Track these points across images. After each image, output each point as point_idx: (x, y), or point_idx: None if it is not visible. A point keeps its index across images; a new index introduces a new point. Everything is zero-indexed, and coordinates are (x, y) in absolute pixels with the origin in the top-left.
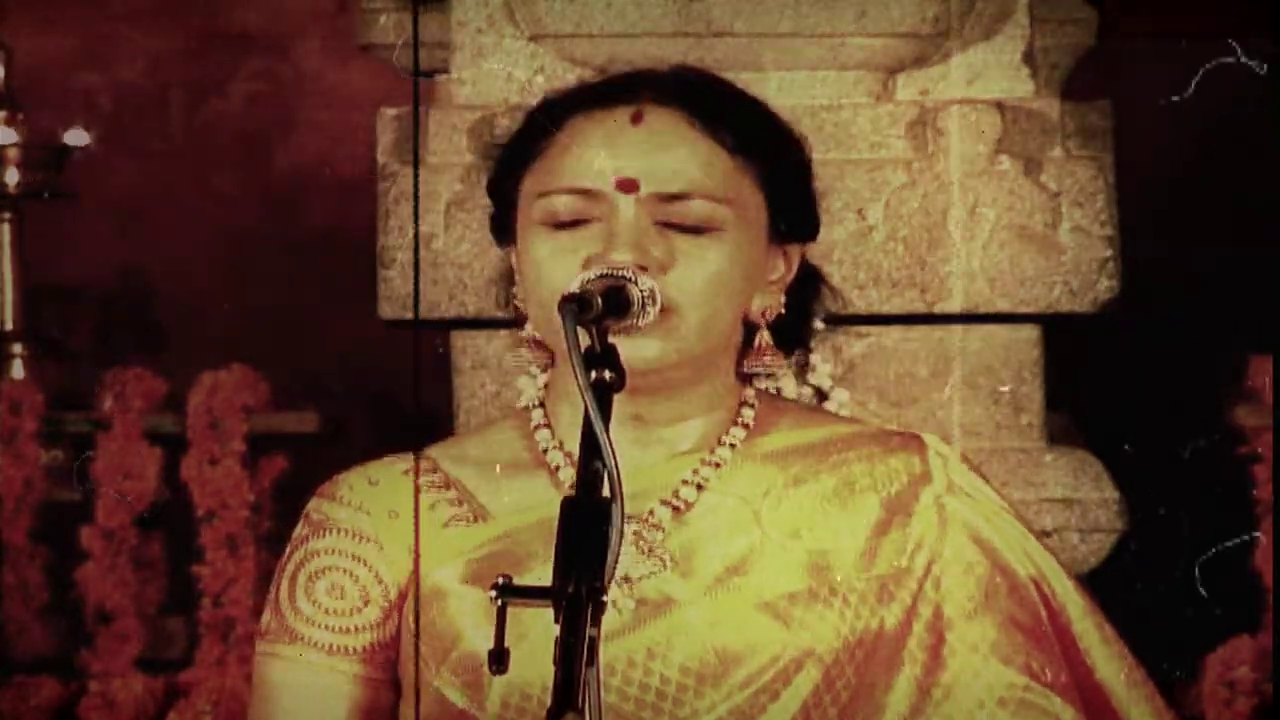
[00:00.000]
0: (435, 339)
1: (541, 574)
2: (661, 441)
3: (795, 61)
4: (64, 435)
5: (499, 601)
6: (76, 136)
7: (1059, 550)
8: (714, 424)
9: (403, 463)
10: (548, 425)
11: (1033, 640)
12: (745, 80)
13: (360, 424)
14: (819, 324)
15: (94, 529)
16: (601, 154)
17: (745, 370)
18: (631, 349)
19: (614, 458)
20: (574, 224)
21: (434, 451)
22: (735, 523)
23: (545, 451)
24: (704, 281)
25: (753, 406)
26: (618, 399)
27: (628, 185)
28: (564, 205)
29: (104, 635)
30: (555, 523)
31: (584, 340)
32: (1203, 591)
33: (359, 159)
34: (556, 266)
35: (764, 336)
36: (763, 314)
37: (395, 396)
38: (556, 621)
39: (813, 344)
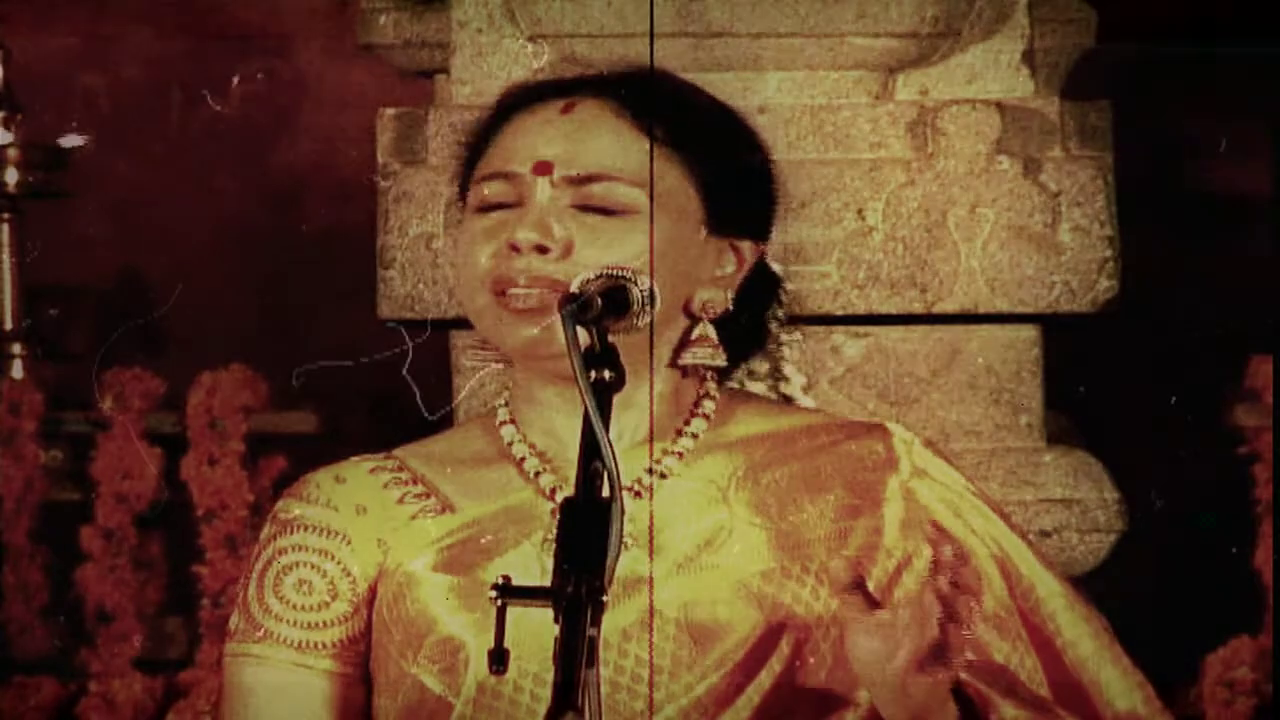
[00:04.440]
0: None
1: (511, 559)
2: (617, 429)
3: (795, 61)
4: (64, 435)
5: (499, 601)
6: (73, 140)
7: (1059, 550)
8: (666, 416)
9: (369, 462)
10: (512, 421)
11: (993, 626)
12: (745, 80)
13: (360, 424)
14: (778, 324)
15: (94, 529)
16: (527, 140)
17: (679, 361)
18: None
19: (614, 458)
20: (498, 207)
21: (400, 451)
22: (703, 504)
23: (510, 445)
24: (619, 262)
25: (714, 399)
26: (568, 385)
27: (541, 168)
28: (491, 190)
29: (104, 635)
30: (521, 510)
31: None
32: (1203, 591)
33: (359, 159)
34: (476, 248)
35: (703, 329)
36: (703, 307)
37: (395, 396)
38: (556, 621)
39: (781, 350)
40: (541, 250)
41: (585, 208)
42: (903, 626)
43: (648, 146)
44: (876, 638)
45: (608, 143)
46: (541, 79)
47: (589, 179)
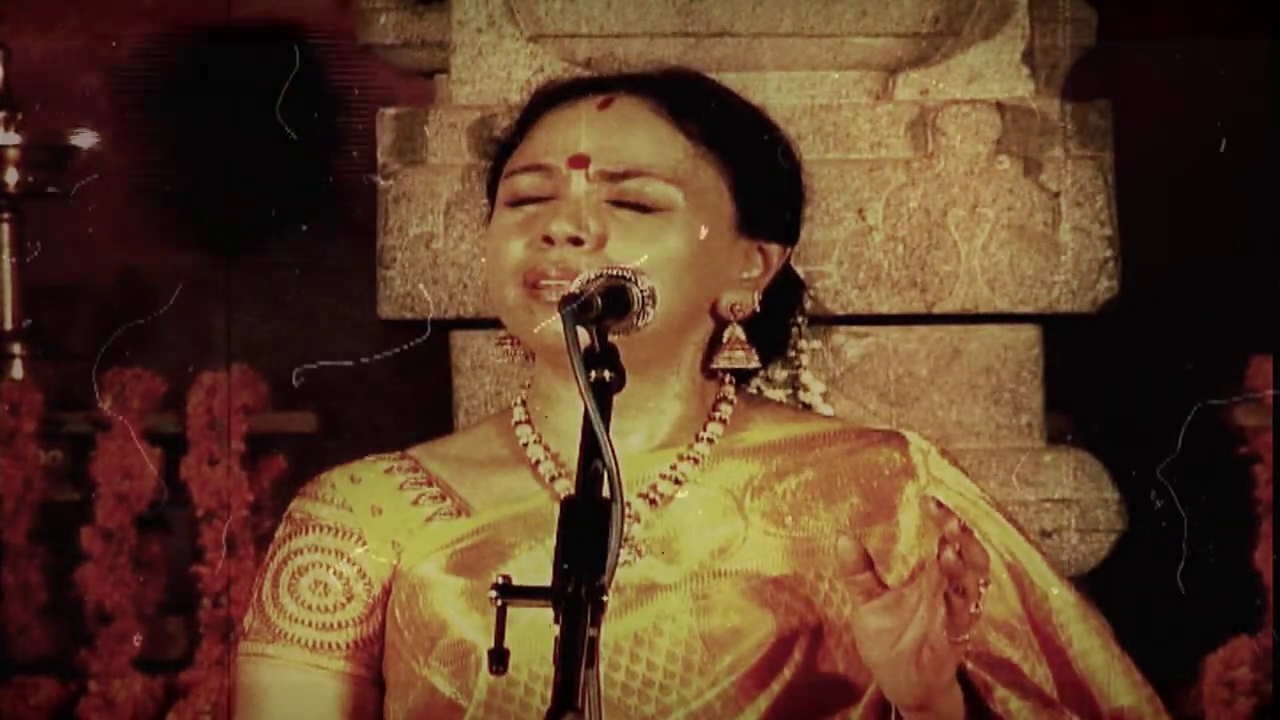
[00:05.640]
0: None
1: (524, 562)
2: (636, 433)
3: (795, 61)
4: (64, 435)
5: (499, 602)
6: (84, 138)
7: (1059, 550)
8: (688, 419)
9: (384, 462)
10: (528, 422)
11: (1005, 634)
12: (745, 80)
13: (360, 424)
14: (798, 331)
15: (94, 529)
16: (562, 133)
17: (713, 365)
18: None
19: (614, 458)
20: (531, 200)
21: (415, 451)
22: (717, 512)
23: (525, 447)
24: (648, 258)
25: (731, 403)
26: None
27: (577, 161)
28: (524, 183)
29: (104, 635)
30: (536, 515)
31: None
32: (1203, 591)
33: (359, 159)
34: (508, 242)
35: (734, 331)
36: (731, 309)
37: (395, 396)
38: (556, 622)
39: (800, 358)
40: (575, 242)
41: (620, 203)
42: (911, 605)
43: (684, 145)
44: (885, 617)
45: (645, 139)
46: (578, 76)
47: (625, 174)
